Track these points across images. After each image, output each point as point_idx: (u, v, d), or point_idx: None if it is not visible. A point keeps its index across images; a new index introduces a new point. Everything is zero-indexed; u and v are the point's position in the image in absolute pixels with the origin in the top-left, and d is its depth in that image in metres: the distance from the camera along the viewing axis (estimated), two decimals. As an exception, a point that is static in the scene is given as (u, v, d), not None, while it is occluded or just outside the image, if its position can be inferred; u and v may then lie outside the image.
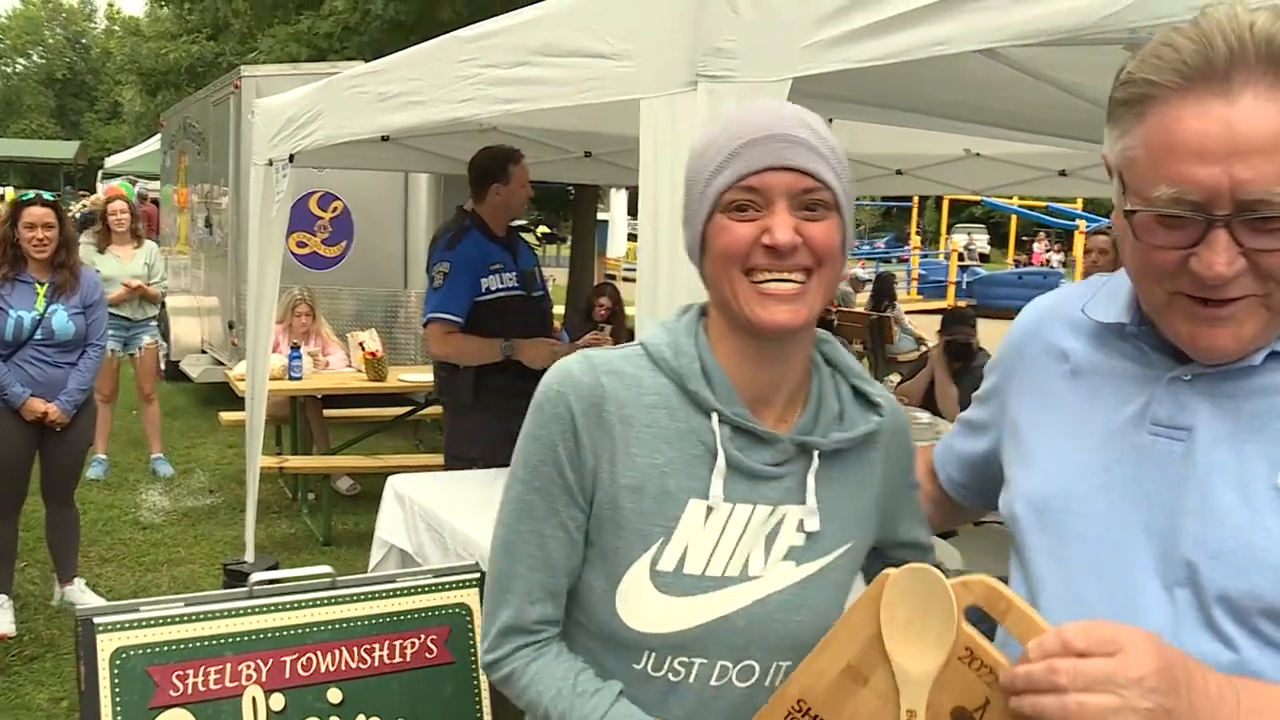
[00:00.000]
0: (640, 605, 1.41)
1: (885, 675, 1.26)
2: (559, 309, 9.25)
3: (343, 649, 2.27)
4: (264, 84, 8.12)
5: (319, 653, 2.24)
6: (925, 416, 4.80)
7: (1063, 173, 6.15)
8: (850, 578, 1.51)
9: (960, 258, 28.54)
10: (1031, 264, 33.95)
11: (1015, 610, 1.16)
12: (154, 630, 2.13)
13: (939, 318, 7.15)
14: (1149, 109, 1.16)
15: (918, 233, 35.12)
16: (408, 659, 2.32)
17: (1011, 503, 1.40)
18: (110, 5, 65.25)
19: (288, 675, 2.20)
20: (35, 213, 4.92)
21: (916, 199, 29.19)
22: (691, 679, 1.43)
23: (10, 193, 17.34)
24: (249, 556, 5.61)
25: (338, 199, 8.81)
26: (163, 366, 9.92)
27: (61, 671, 4.58)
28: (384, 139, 4.88)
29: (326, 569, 2.31)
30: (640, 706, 1.43)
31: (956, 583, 1.20)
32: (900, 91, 2.67)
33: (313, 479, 7.07)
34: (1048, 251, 37.93)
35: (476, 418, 4.68)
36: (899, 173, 6.85)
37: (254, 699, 2.16)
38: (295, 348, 6.74)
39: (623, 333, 8.57)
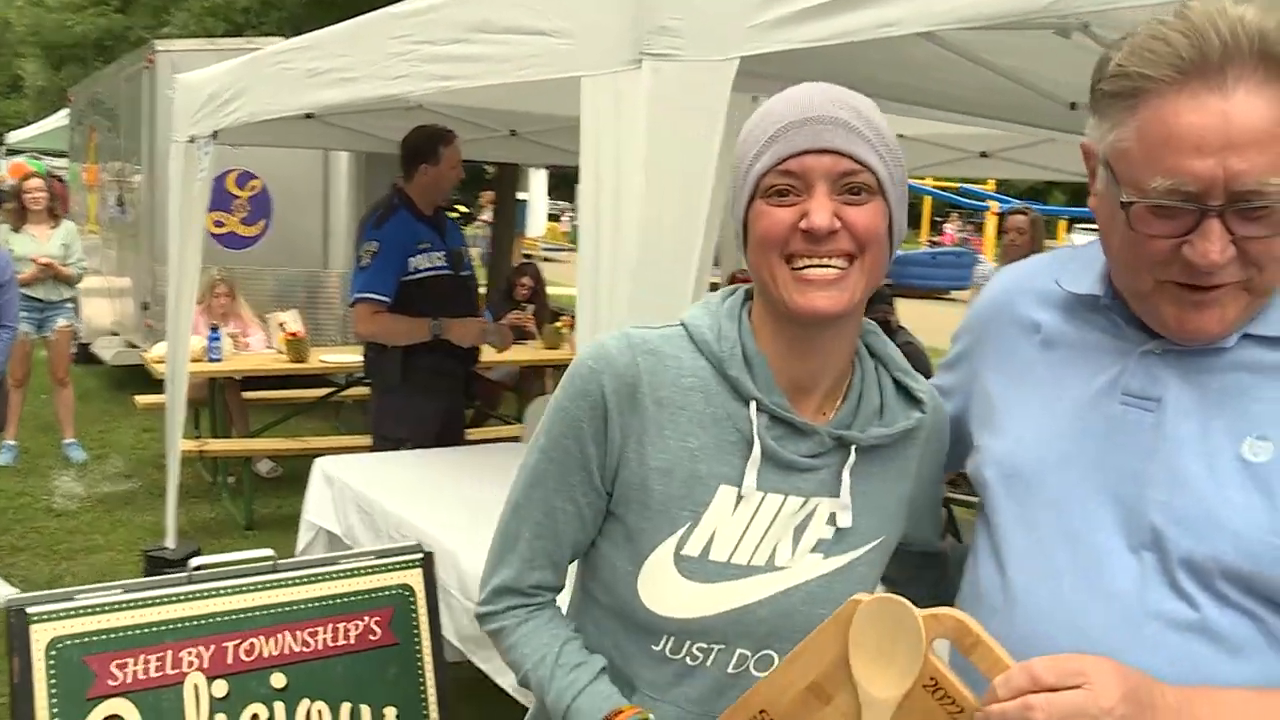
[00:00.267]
0: (663, 589, 1.39)
1: (849, 696, 1.26)
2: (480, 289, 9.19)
3: (286, 633, 2.23)
4: (180, 59, 7.90)
5: (262, 637, 2.20)
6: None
7: (984, 154, 6.25)
8: (877, 573, 1.49)
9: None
10: (944, 244, 34.47)
11: (982, 645, 1.17)
12: (91, 619, 2.07)
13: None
14: (1142, 102, 1.18)
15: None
16: (351, 641, 2.29)
17: (981, 468, 1.43)
18: (9, -25, 63.01)
19: (230, 661, 2.16)
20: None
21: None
22: (709, 663, 1.42)
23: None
24: (170, 542, 5.51)
25: (256, 177, 8.63)
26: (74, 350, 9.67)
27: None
28: (307, 116, 4.81)
29: (267, 551, 2.27)
30: (654, 687, 1.44)
31: (927, 614, 1.21)
32: (846, 73, 2.67)
33: (232, 462, 6.94)
34: (960, 231, 38.57)
35: (404, 397, 4.66)
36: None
37: (196, 686, 2.12)
38: (214, 329, 6.61)
39: (545, 312, 8.56)
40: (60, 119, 18.56)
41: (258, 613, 2.21)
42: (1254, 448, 1.23)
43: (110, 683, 2.05)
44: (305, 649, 2.24)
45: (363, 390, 6.89)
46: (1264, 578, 1.20)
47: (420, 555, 2.40)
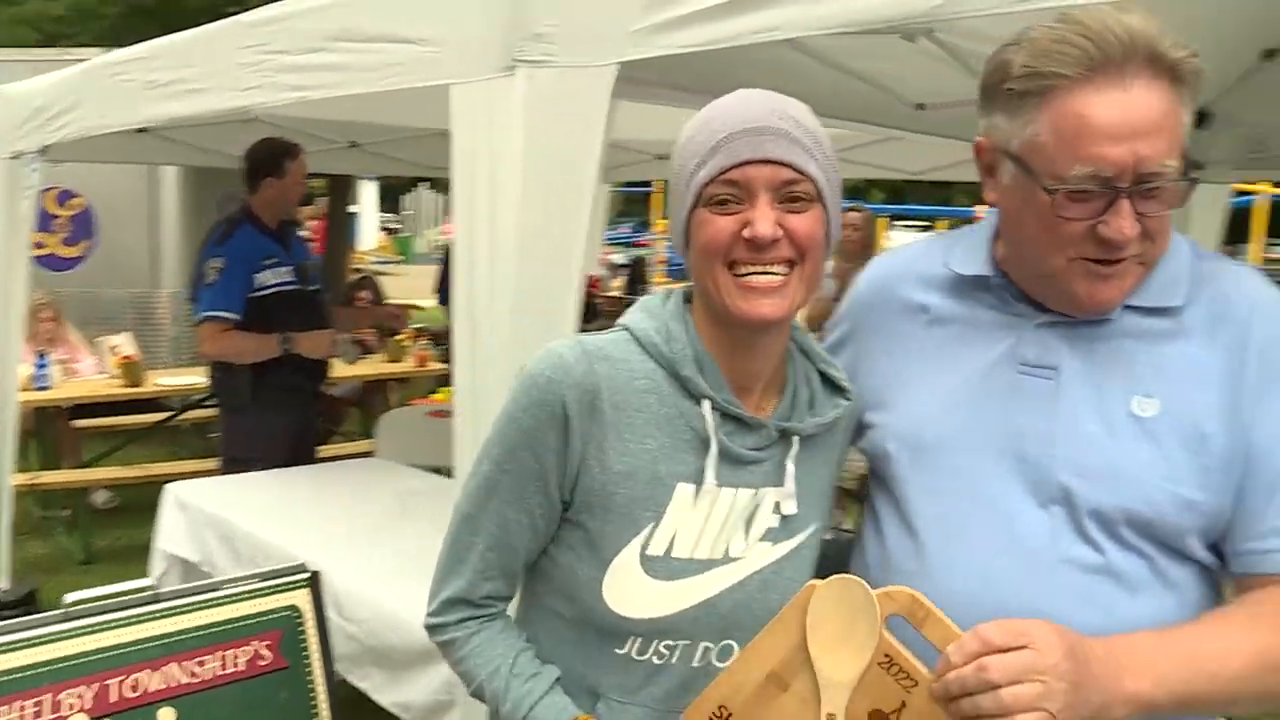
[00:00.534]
0: (629, 591, 1.41)
1: (807, 680, 1.30)
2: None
3: (172, 665, 2.14)
4: (-10, 70, 7.48)
5: (147, 671, 2.11)
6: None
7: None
8: (816, 555, 1.54)
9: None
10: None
11: (933, 618, 1.24)
12: (-41, 665, 1.95)
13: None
14: (1053, 97, 1.31)
15: (663, 217, 35.89)
16: (240, 668, 2.21)
17: (882, 443, 1.52)
18: None
19: (114, 699, 2.06)
20: None
21: (660, 184, 29.81)
22: (675, 660, 1.45)
23: None
24: (2, 584, 5.22)
25: (77, 195, 8.22)
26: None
27: None
28: (140, 130, 4.62)
29: (148, 581, 2.17)
30: (621, 690, 1.45)
31: (880, 593, 1.26)
32: (720, 77, 2.73)
33: (65, 495, 6.60)
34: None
35: (256, 416, 4.53)
36: (660, 158, 6.99)
37: (79, 728, 2.02)
38: (41, 355, 6.27)
39: (386, 325, 8.42)
40: None
41: (141, 646, 2.11)
42: (1142, 404, 1.38)
43: (-13, 732, 1.94)
44: (193, 679, 2.15)
45: (203, 413, 6.66)
46: (1160, 521, 1.36)
47: (307, 575, 2.34)
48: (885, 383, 1.55)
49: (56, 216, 8.20)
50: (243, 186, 4.61)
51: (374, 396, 7.79)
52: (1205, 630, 1.33)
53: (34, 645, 2.03)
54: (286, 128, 4.99)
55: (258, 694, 2.22)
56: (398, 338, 7.53)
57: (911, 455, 1.48)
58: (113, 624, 2.11)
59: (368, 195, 18.03)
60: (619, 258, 19.32)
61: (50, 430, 6.64)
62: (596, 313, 9.45)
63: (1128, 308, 1.41)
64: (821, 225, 1.39)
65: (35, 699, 2.00)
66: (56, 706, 2.01)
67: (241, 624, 2.24)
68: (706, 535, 1.43)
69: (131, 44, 3.78)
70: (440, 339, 7.99)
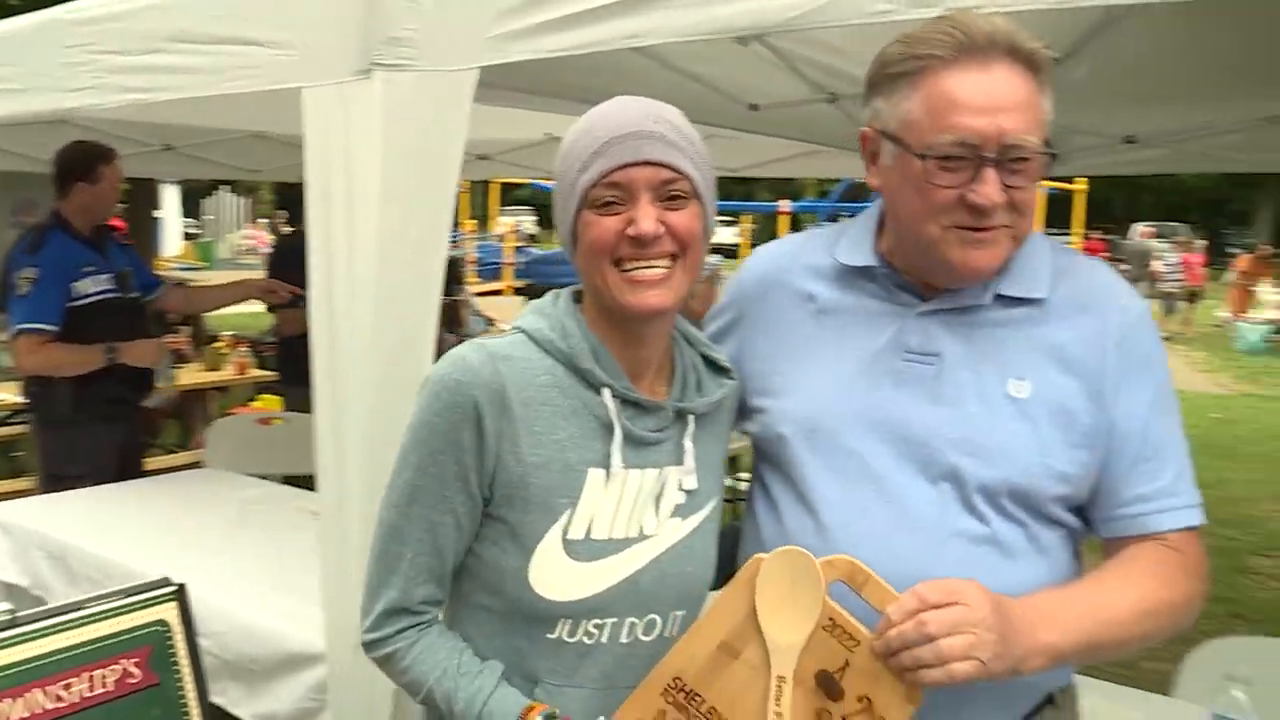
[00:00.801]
0: (554, 575, 1.48)
1: (757, 647, 1.41)
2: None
3: (35, 691, 2.06)
4: None
5: (9, 700, 2.03)
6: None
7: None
8: (718, 527, 1.64)
9: (515, 239, 29.27)
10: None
11: (872, 582, 1.38)
12: None
13: (512, 299, 7.41)
14: (924, 77, 1.47)
15: (471, 217, 35.61)
16: (110, 688, 2.15)
17: (774, 426, 1.62)
18: None
19: (-25, 730, 1.98)
20: None
21: (468, 183, 29.59)
22: (605, 639, 1.51)
23: None
24: None
25: None
26: None
27: None
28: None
29: (5, 605, 2.09)
30: (557, 675, 1.51)
31: (823, 561, 1.39)
32: (558, 80, 2.80)
33: None
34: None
35: (78, 431, 4.34)
36: (481, 158, 6.98)
37: (-62, 763, 1.93)
38: None
39: (202, 333, 8.16)
40: None
41: (1, 674, 2.03)
42: (1016, 387, 1.52)
43: None
44: (59, 704, 2.08)
45: (9, 430, 6.32)
46: (1036, 492, 1.51)
47: (173, 588, 2.28)
48: (774, 369, 1.66)
49: None
50: (46, 191, 4.42)
51: (193, 406, 7.51)
52: (1094, 586, 1.52)
53: (-116, 680, 1.93)
54: (96, 129, 4.80)
55: (129, 712, 2.16)
56: (215, 345, 7.31)
57: (807, 438, 1.58)
58: (-33, 652, 2.02)
59: (170, 199, 17.27)
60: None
61: None
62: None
63: (999, 296, 1.55)
64: (699, 220, 1.50)
65: (-111, 736, 1.91)
66: (-88, 742, 1.92)
67: (108, 643, 2.18)
68: (621, 515, 1.51)
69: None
70: (260, 346, 7.79)
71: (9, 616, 2.09)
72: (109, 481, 4.20)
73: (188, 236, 28.62)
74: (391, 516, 1.52)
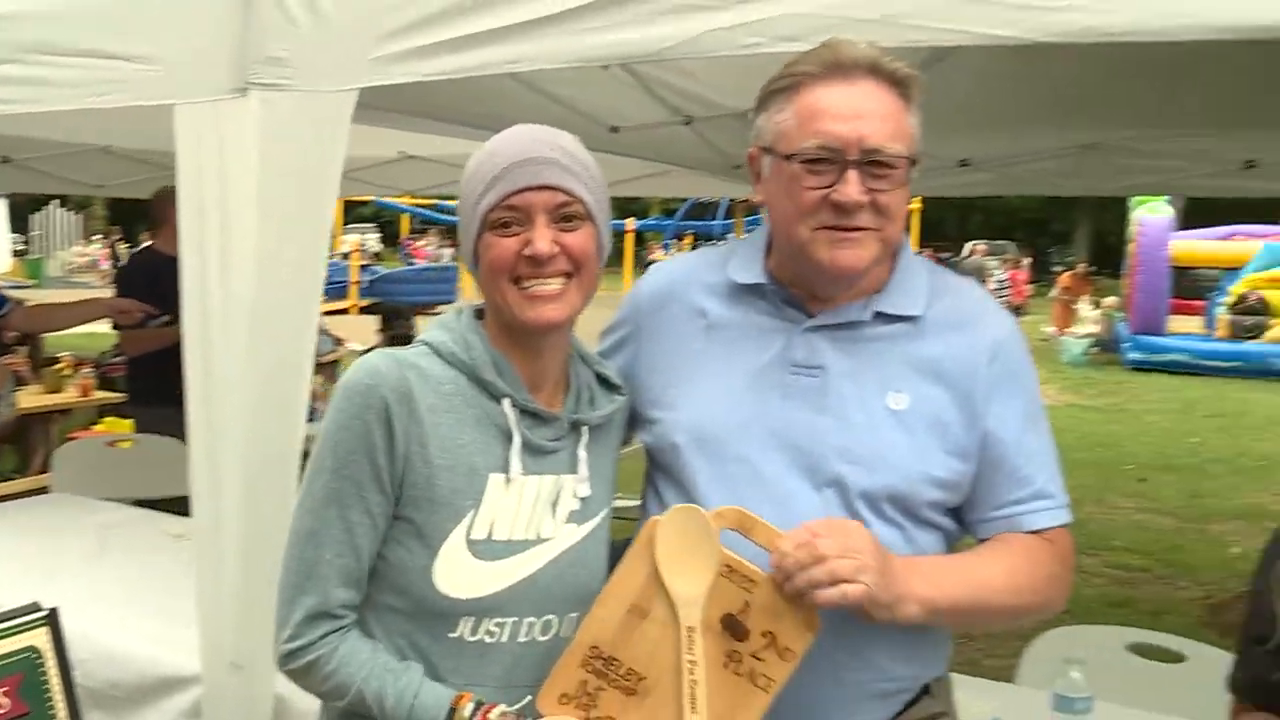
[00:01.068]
0: (458, 573, 1.54)
1: (664, 604, 1.52)
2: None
3: (-99, 723, 2.01)
4: None
5: (-127, 732, 1.97)
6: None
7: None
8: (609, 534, 1.73)
9: (359, 257, 28.85)
10: (415, 260, 35.15)
11: (760, 525, 1.52)
12: None
13: (358, 318, 7.36)
14: (797, 92, 1.63)
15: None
16: (-22, 719, 2.10)
17: (668, 436, 1.72)
18: None
19: None
20: None
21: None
22: (504, 638, 1.58)
23: None
24: None
25: None
26: None
27: None
28: None
29: None
30: (457, 674, 1.57)
31: (712, 513, 1.52)
32: (424, 101, 2.85)
33: None
34: (439, 248, 39.41)
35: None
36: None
37: None
38: None
39: (40, 354, 7.86)
40: None
41: None
42: (895, 399, 1.65)
43: None
44: (-74, 736, 2.03)
45: None
46: (914, 496, 1.64)
47: (44, 613, 2.24)
48: (668, 381, 1.75)
49: None
50: None
51: (32, 431, 7.21)
52: (970, 558, 1.68)
53: None
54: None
55: (-4, 744, 2.11)
56: (56, 367, 7.04)
57: (699, 447, 1.68)
58: None
59: (-1, 213, 16.45)
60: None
61: None
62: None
63: (879, 314, 1.68)
64: (593, 240, 1.61)
65: None
66: None
67: (-24, 671, 2.13)
68: (520, 519, 1.60)
69: None
70: (102, 367, 7.54)
71: None
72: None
73: (16, 253, 27.26)
74: (308, 522, 1.56)
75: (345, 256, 27.71)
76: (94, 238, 35.53)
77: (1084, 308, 20.81)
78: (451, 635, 1.57)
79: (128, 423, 5.73)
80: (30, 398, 6.87)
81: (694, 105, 4.12)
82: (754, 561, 1.53)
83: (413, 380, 1.56)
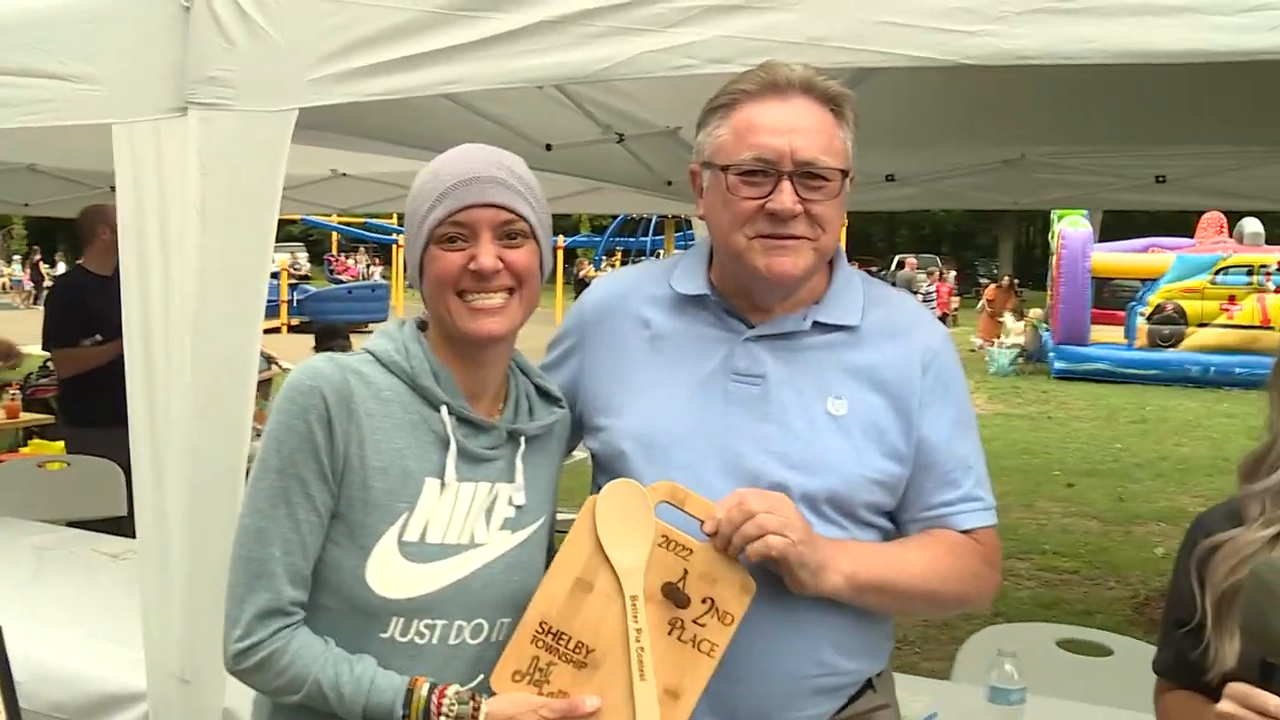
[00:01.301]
0: (390, 574, 1.59)
1: (607, 576, 1.60)
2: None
3: None
4: None
5: None
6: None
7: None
8: (547, 541, 1.79)
9: (289, 276, 28.58)
10: (341, 278, 34.91)
11: (692, 498, 1.62)
12: None
13: (288, 337, 7.34)
14: (735, 107, 1.71)
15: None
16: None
17: (615, 443, 1.78)
18: None
19: None
20: None
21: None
22: (434, 640, 1.62)
23: None
24: None
25: None
26: None
27: None
28: None
29: None
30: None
31: (648, 488, 1.61)
32: (356, 120, 2.88)
33: None
34: (370, 266, 39.17)
35: None
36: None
37: None
38: None
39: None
40: None
41: None
42: (835, 405, 1.72)
43: None
44: None
45: None
46: (853, 498, 1.71)
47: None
48: (613, 389, 1.81)
49: None
50: None
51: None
52: (895, 544, 1.78)
53: None
54: None
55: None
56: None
57: (646, 454, 1.74)
58: None
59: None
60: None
61: None
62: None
63: (817, 324, 1.76)
64: (535, 257, 1.68)
65: None
66: None
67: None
68: (454, 523, 1.65)
69: None
70: (29, 389, 7.43)
71: None
72: None
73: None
74: (256, 522, 1.59)
75: (274, 275, 27.42)
76: (14, 258, 34.79)
77: (1010, 319, 21.23)
78: (383, 635, 1.61)
79: (57, 445, 5.67)
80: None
81: (626, 123, 4.20)
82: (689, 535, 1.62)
83: (354, 384, 1.61)
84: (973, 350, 20.52)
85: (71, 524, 4.30)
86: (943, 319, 21.45)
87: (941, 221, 43.05)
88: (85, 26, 2.51)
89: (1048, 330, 19.56)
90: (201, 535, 2.30)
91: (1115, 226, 21.18)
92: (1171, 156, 4.75)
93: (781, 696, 1.70)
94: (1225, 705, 1.36)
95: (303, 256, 39.23)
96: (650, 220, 25.18)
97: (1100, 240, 19.25)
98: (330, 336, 7.67)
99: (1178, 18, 1.66)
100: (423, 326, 1.75)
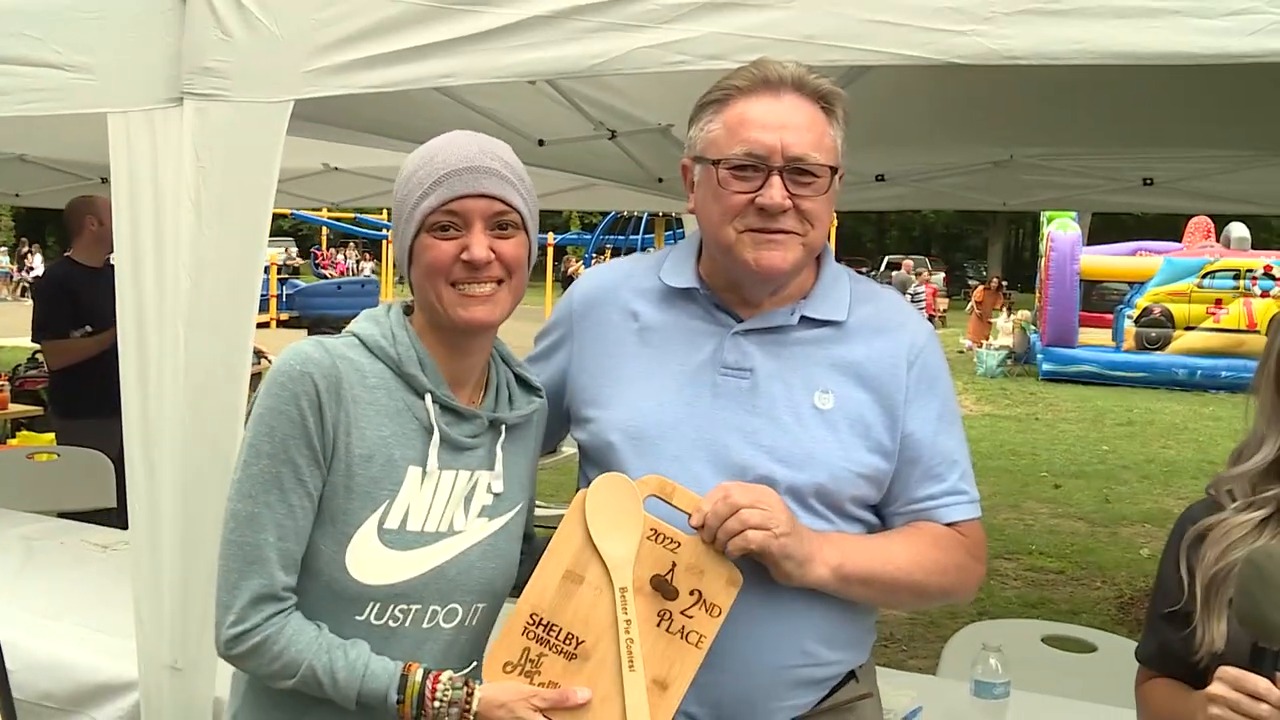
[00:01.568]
0: (369, 560, 1.60)
1: (597, 569, 1.62)
2: None
3: None
4: None
5: None
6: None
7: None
8: (523, 529, 1.81)
9: (279, 270, 28.55)
10: (327, 273, 34.88)
11: (680, 492, 1.64)
12: None
13: (278, 332, 7.35)
14: (727, 103, 1.73)
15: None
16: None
17: (603, 434, 1.80)
18: None
19: None
20: None
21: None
22: (408, 624, 1.64)
23: None
24: None
25: None
26: None
27: None
28: None
29: None
30: None
31: (637, 482, 1.64)
32: (348, 112, 2.90)
33: None
34: (360, 261, 39.17)
35: None
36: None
37: None
38: None
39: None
40: None
41: None
42: (821, 399, 1.74)
43: None
44: None
45: None
46: (839, 492, 1.73)
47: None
48: (602, 381, 1.83)
49: None
50: None
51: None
52: (880, 538, 1.81)
53: None
54: None
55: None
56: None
57: (634, 446, 1.75)
58: None
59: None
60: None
61: None
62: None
63: (804, 319, 1.77)
64: (525, 249, 1.69)
65: None
66: None
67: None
68: (434, 511, 1.66)
69: None
70: (19, 380, 7.42)
71: None
72: None
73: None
74: (248, 507, 1.59)
75: (264, 270, 27.30)
76: (1, 249, 34.67)
77: (998, 321, 21.29)
78: (358, 619, 1.63)
79: (46, 436, 5.67)
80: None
81: (618, 120, 4.22)
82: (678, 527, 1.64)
83: (343, 369, 1.62)
84: (961, 352, 20.56)
85: (61, 515, 4.30)
86: (930, 320, 21.62)
87: (932, 223, 43.19)
88: (82, 16, 2.50)
89: (1036, 332, 19.61)
90: (194, 524, 2.31)
91: (1104, 230, 21.30)
92: (1159, 159, 4.81)
93: (766, 686, 1.71)
94: (1216, 688, 1.40)
95: (292, 250, 39.20)
96: (640, 218, 25.21)
97: (1089, 243, 19.34)
98: (321, 331, 7.69)
99: (1163, 20, 1.69)
100: (408, 311, 1.76)
